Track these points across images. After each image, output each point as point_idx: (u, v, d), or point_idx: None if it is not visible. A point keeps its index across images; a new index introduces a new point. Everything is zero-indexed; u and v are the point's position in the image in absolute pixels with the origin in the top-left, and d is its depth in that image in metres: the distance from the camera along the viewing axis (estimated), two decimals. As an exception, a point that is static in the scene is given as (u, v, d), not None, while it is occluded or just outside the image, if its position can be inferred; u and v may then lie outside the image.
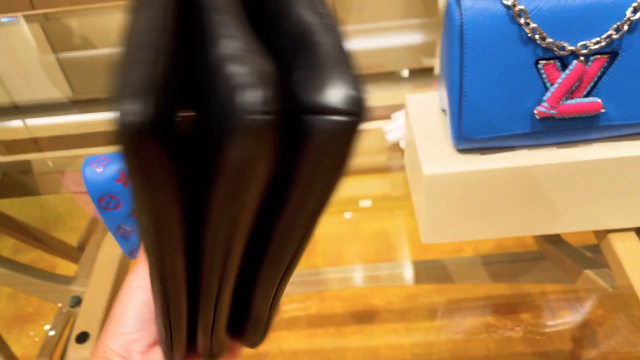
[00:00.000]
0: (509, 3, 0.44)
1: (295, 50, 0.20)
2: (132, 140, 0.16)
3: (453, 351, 0.86)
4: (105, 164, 0.49)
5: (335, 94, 0.19)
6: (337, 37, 0.20)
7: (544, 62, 0.46)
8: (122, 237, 0.55)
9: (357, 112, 0.19)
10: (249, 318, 0.29)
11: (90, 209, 0.85)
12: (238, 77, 0.18)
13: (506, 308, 0.88)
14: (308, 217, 0.22)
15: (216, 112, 0.18)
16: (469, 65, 0.45)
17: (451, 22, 0.46)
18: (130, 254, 0.57)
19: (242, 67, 0.18)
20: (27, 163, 1.01)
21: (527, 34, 0.45)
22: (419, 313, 0.93)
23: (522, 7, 0.44)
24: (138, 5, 0.19)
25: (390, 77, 1.45)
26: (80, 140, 1.17)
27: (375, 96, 1.36)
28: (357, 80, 0.19)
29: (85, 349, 0.57)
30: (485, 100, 0.47)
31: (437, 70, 1.40)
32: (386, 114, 1.12)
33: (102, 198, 0.50)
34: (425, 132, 0.53)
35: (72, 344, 0.57)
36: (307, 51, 0.20)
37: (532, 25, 0.44)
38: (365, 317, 0.94)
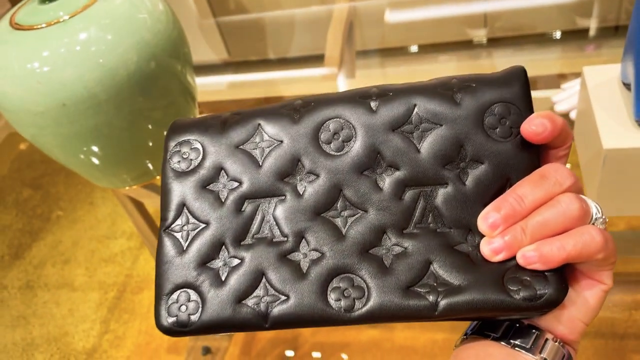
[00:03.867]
0: None
1: None
2: None
3: (598, 326, 0.84)
4: None
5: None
6: None
7: None
8: None
9: None
10: None
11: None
12: None
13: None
14: None
15: None
16: (663, 40, 0.44)
17: (646, -4, 0.45)
18: None
19: None
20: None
21: None
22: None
23: None
24: None
25: (540, 39, 1.38)
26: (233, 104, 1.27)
27: (527, 62, 1.31)
28: None
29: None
30: (676, 76, 0.46)
31: (592, 32, 1.31)
32: (537, 81, 1.08)
33: None
34: (604, 105, 0.53)
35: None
36: None
37: None
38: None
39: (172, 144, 0.36)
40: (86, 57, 0.53)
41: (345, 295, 0.30)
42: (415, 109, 0.32)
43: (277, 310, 0.31)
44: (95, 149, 0.60)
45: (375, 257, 0.31)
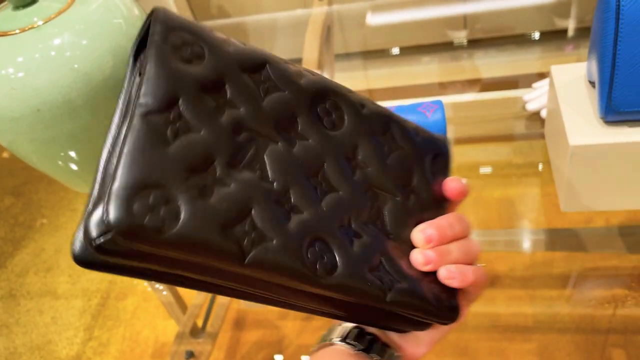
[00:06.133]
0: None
1: None
2: None
3: (578, 322, 0.85)
4: (433, 110, 0.56)
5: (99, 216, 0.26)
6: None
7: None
8: None
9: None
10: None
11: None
12: None
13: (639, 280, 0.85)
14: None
15: None
16: (623, 39, 0.45)
17: (607, -4, 0.46)
18: None
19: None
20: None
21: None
22: (542, 281, 0.92)
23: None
24: None
25: (519, 40, 1.39)
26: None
27: (507, 62, 1.33)
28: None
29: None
30: (638, 73, 0.47)
31: (570, 33, 1.32)
32: (517, 81, 1.10)
33: None
34: (571, 103, 0.54)
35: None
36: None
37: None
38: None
39: (162, 28, 0.29)
40: (61, 63, 0.53)
41: (322, 258, 0.30)
42: (390, 129, 0.36)
43: (260, 249, 0.28)
44: (72, 154, 0.60)
45: (344, 235, 0.32)
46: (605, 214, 0.93)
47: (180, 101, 0.28)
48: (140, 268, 0.28)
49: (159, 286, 0.89)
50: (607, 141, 0.50)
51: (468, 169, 0.91)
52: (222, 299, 0.95)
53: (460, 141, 0.91)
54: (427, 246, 0.34)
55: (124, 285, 1.17)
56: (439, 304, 0.34)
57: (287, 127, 0.32)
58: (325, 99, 0.34)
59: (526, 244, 0.89)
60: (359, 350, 0.36)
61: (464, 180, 0.38)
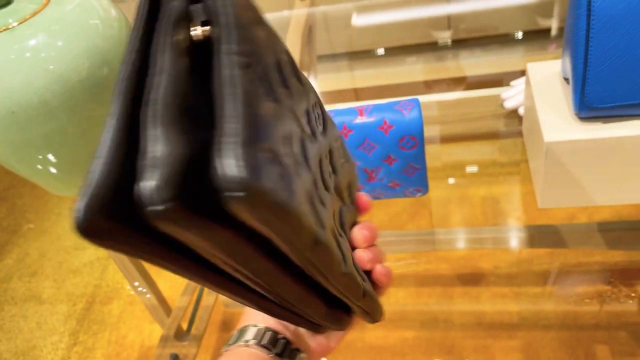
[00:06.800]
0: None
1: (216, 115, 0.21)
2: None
3: (562, 318, 0.86)
4: (409, 108, 0.56)
5: (224, 172, 0.19)
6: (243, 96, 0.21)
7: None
8: (406, 176, 0.62)
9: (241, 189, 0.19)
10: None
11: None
12: (140, 170, 0.20)
13: (621, 276, 0.86)
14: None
15: None
16: (595, 35, 0.46)
17: (579, -8, 0.46)
18: (414, 191, 0.65)
19: (142, 160, 0.20)
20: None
21: (657, 2, 0.45)
22: (527, 278, 0.93)
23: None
24: None
25: (503, 39, 1.40)
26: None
27: (491, 62, 1.34)
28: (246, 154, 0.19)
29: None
30: (610, 69, 0.47)
31: (554, 32, 1.34)
32: (501, 79, 1.10)
33: (403, 138, 0.57)
34: (546, 100, 0.54)
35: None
36: (217, 116, 0.20)
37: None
38: (471, 280, 0.96)
39: None
40: (35, 64, 0.53)
41: (340, 248, 0.31)
42: (340, 141, 0.38)
43: (320, 233, 0.26)
44: (50, 157, 0.59)
45: (337, 233, 0.32)
46: (588, 210, 0.94)
47: (261, 65, 0.24)
48: (161, 246, 0.23)
49: (143, 289, 0.88)
50: (581, 137, 0.51)
51: (452, 168, 0.91)
52: (207, 302, 0.95)
53: (443, 140, 0.92)
54: (364, 245, 0.37)
55: (110, 290, 1.16)
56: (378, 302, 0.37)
57: (301, 117, 0.30)
58: (315, 100, 0.34)
59: (511, 242, 0.90)
60: (274, 354, 0.37)
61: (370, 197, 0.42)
